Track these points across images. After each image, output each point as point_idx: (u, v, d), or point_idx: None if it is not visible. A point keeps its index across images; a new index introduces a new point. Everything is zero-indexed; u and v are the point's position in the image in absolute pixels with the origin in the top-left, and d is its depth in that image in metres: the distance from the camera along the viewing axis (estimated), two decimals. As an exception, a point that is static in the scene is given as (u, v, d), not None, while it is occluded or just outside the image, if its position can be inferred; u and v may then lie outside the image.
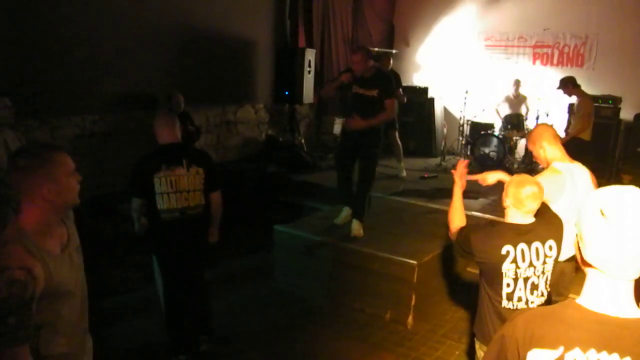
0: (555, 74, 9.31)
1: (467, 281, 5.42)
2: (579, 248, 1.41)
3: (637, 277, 1.33)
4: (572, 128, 7.25)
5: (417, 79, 10.70)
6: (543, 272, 2.70)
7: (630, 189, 1.34)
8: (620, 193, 1.34)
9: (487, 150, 8.71)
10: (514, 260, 2.62)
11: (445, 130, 9.97)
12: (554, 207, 2.98)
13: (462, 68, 10.04)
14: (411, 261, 4.75)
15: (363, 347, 4.36)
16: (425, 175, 8.14)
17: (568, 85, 7.06)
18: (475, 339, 2.93)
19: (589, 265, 1.39)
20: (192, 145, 4.01)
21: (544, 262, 2.68)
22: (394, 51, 10.41)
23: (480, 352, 2.88)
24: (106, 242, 5.64)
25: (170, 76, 6.93)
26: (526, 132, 8.76)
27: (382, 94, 5.12)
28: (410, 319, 4.73)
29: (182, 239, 3.73)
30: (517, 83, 9.15)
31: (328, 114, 9.70)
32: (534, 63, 9.63)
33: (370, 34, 10.39)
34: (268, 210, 6.92)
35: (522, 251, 2.62)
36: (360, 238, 5.19)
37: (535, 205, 2.66)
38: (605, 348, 1.33)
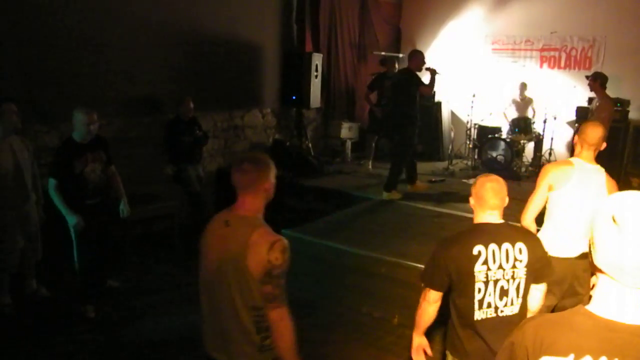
0: (563, 77, 9.31)
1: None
2: (591, 253, 1.39)
3: None
4: None
5: (424, 83, 10.69)
6: (513, 277, 2.60)
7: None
8: (633, 200, 1.31)
9: (494, 154, 8.69)
10: (485, 262, 2.55)
11: (452, 134, 9.96)
12: (557, 192, 3.33)
13: (469, 72, 10.03)
14: (419, 265, 4.73)
15: (371, 352, 4.35)
16: (433, 180, 8.12)
17: (597, 80, 6.98)
18: (447, 353, 2.85)
19: (600, 271, 1.36)
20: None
21: (514, 266, 2.59)
22: (400, 55, 10.41)
23: None
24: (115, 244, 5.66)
25: (177, 81, 6.96)
26: (533, 135, 8.74)
27: None
28: (418, 323, 4.71)
29: None
30: (523, 86, 9.15)
31: (335, 119, 9.71)
32: (541, 66, 9.62)
33: (377, 38, 10.41)
34: (275, 214, 6.91)
35: (493, 252, 2.56)
36: (367, 240, 5.21)
37: (498, 202, 2.63)
38: (617, 355, 1.31)
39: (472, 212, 2.87)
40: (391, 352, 4.36)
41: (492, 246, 2.56)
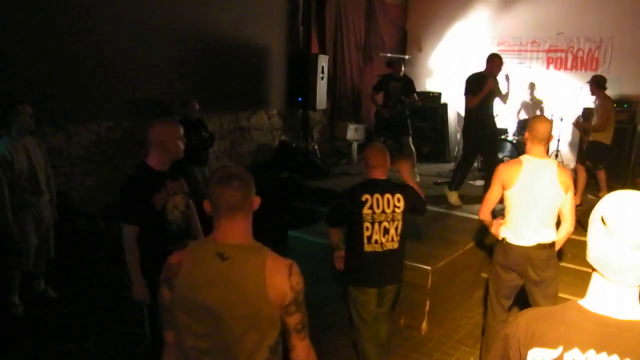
0: (570, 79, 9.28)
1: (481, 287, 5.39)
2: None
3: (636, 284, 1.34)
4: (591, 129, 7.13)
5: (430, 85, 10.69)
6: (393, 220, 3.52)
7: (633, 198, 1.34)
8: (623, 202, 1.34)
9: (500, 156, 8.66)
10: (371, 207, 3.47)
11: (458, 135, 9.92)
12: (510, 191, 3.57)
13: (475, 73, 9.99)
14: (425, 267, 4.74)
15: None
16: (439, 182, 8.11)
17: (591, 84, 6.96)
18: (349, 285, 3.71)
19: (593, 268, 1.41)
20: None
21: (393, 212, 3.51)
22: (406, 57, 10.41)
23: (357, 296, 3.67)
24: (120, 247, 5.68)
25: (184, 83, 6.99)
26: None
27: None
28: (424, 325, 4.71)
29: None
30: (532, 86, 9.12)
31: (341, 120, 9.71)
32: (547, 68, 9.58)
33: (382, 39, 10.41)
34: (281, 216, 6.94)
35: (377, 199, 3.48)
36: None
37: (378, 162, 3.54)
38: (605, 349, 1.33)
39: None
40: (397, 353, 4.36)
41: (376, 195, 3.48)
